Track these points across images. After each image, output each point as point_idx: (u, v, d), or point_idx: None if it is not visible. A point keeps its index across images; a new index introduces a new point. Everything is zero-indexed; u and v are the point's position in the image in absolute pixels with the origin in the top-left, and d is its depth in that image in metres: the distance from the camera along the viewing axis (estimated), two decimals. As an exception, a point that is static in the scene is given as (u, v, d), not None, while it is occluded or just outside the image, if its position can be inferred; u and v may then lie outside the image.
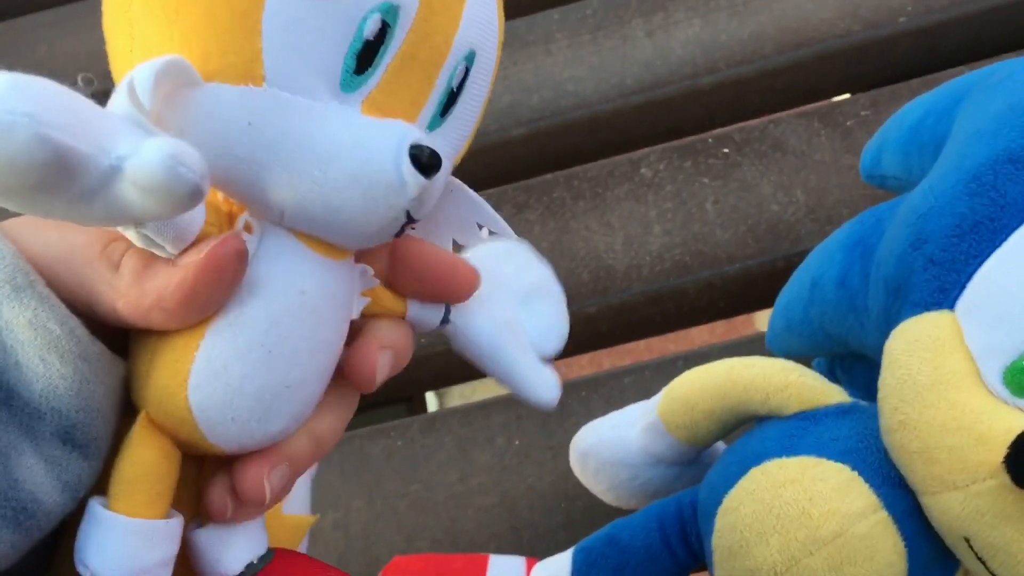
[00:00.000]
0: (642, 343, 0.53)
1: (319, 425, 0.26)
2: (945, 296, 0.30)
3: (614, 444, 0.39)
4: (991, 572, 0.29)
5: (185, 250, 0.23)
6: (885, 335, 0.32)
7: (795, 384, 0.33)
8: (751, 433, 0.34)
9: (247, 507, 0.26)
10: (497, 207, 0.56)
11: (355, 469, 0.47)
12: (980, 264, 0.29)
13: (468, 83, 0.26)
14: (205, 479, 0.26)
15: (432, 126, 0.25)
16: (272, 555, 0.27)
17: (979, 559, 0.29)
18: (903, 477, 0.30)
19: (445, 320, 0.29)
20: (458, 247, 0.30)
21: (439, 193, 0.25)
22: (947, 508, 0.29)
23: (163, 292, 0.23)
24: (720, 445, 0.39)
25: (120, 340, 0.25)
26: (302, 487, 0.36)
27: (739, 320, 0.52)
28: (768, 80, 0.56)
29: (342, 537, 0.46)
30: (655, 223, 0.51)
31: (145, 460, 0.24)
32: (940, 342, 0.29)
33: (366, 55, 0.23)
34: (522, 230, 0.53)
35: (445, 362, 0.51)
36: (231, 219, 0.24)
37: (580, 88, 0.57)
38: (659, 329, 0.51)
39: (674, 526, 0.36)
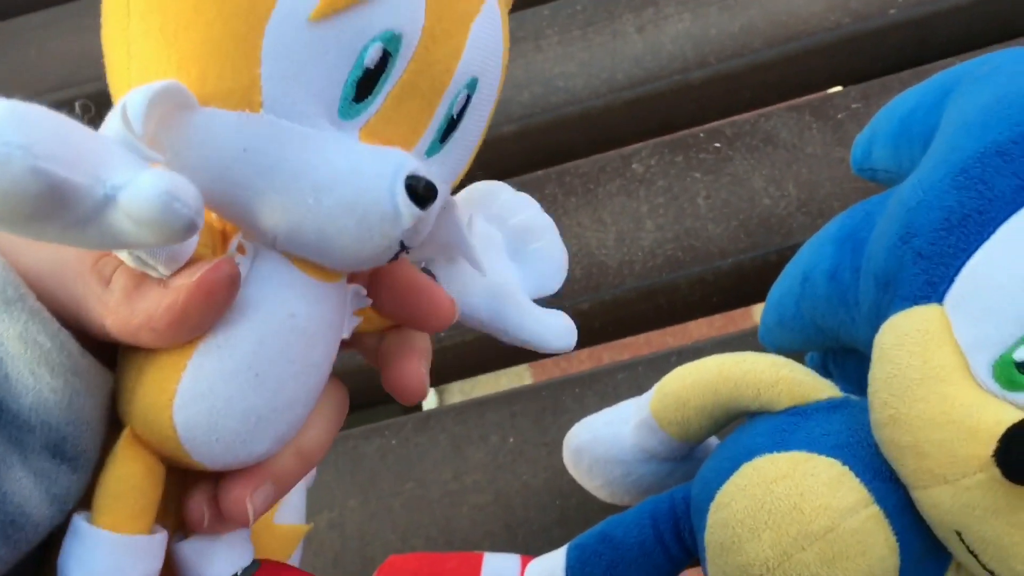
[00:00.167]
0: (641, 338, 0.53)
1: (305, 440, 0.26)
2: (934, 290, 0.30)
3: (607, 440, 0.39)
4: (983, 565, 0.29)
5: (178, 271, 0.23)
6: (876, 329, 0.32)
7: (785, 379, 0.33)
8: (742, 428, 0.34)
9: (230, 523, 0.26)
10: (489, 204, 0.55)
11: (350, 468, 0.47)
12: (968, 257, 0.29)
13: (469, 110, 0.25)
14: (188, 492, 0.26)
15: (431, 152, 0.25)
16: (257, 566, 0.27)
17: (971, 552, 0.29)
18: (894, 471, 0.30)
19: None
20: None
21: (434, 220, 0.25)
22: (938, 502, 0.29)
23: (152, 313, 0.23)
24: (713, 440, 0.39)
25: (109, 352, 0.25)
26: (296, 495, 0.36)
27: (736, 314, 0.52)
28: (759, 74, 0.55)
29: (337, 537, 0.46)
30: (647, 218, 0.51)
31: (129, 475, 0.24)
32: (929, 336, 0.29)
33: (366, 83, 0.23)
34: (514, 227, 0.53)
35: (440, 360, 0.51)
36: (224, 239, 0.24)
37: (571, 84, 0.57)
38: (652, 324, 0.51)
39: (667, 522, 0.36)
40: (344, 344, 0.27)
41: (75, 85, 0.66)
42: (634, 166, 0.53)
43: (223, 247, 0.24)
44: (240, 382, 0.24)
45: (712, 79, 0.56)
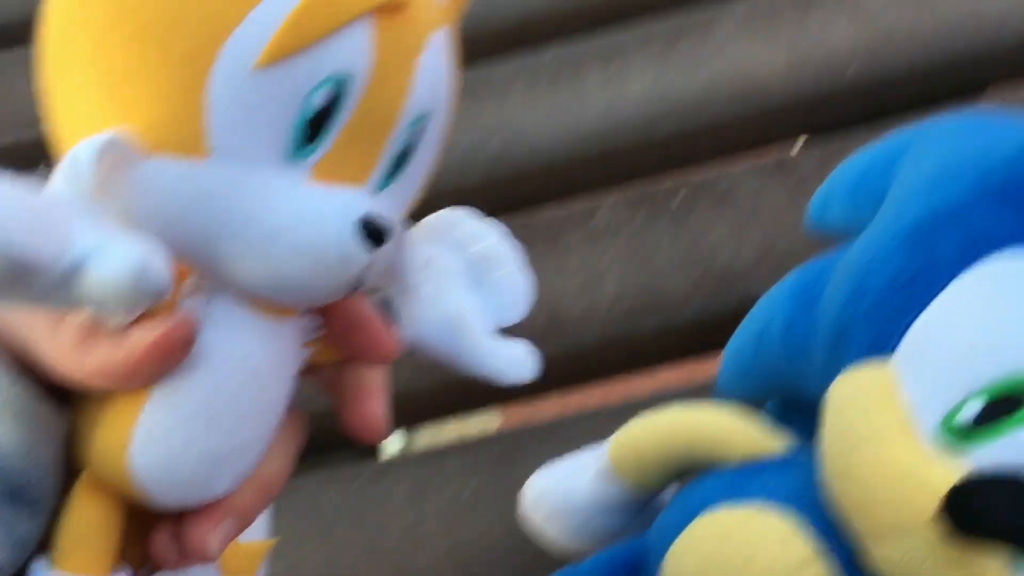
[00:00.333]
0: (603, 386, 0.53)
1: (265, 473, 0.26)
2: (883, 347, 0.30)
3: (566, 490, 0.40)
4: (931, 619, 0.29)
5: (135, 320, 0.23)
6: (829, 383, 0.32)
7: (739, 432, 0.33)
8: (697, 480, 0.35)
9: (194, 560, 0.26)
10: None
11: (308, 515, 0.47)
12: (916, 317, 0.30)
13: (420, 143, 0.26)
14: (151, 529, 0.26)
15: (383, 186, 0.25)
16: None
17: (919, 607, 0.29)
18: (846, 526, 0.31)
19: None
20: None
21: (390, 254, 0.25)
22: (888, 557, 0.29)
23: (105, 365, 0.23)
24: (670, 490, 0.39)
25: (64, 391, 0.25)
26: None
27: (696, 364, 0.52)
28: (720, 129, 0.57)
29: (294, 584, 0.45)
30: (610, 269, 0.52)
31: (89, 518, 0.24)
32: (878, 393, 0.29)
33: (315, 125, 0.23)
34: (479, 275, 0.53)
35: (400, 404, 0.51)
36: (180, 278, 0.24)
37: (537, 135, 0.58)
38: (614, 373, 0.51)
39: (625, 572, 0.36)
40: (301, 372, 0.27)
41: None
42: (598, 217, 0.54)
43: (177, 287, 0.23)
44: (197, 425, 0.24)
45: (675, 133, 0.57)
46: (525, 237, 0.54)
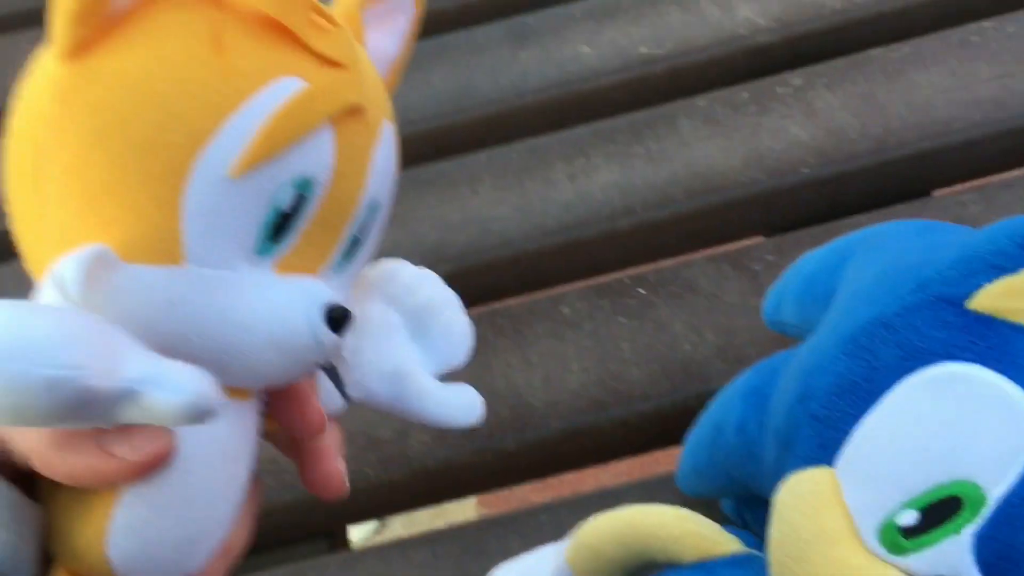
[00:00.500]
0: (564, 478, 0.54)
1: (231, 540, 0.27)
2: (826, 452, 0.31)
3: (525, 587, 0.40)
4: None
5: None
6: (778, 484, 0.33)
7: (692, 534, 0.34)
8: (652, 581, 0.35)
9: None
10: (421, 343, 0.56)
11: (271, 608, 0.47)
12: (857, 423, 0.31)
13: (370, 230, 0.27)
14: None
15: (337, 270, 0.26)
16: None
17: None
18: (794, 627, 0.31)
19: (346, 400, 0.30)
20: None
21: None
22: (834, 659, 0.30)
23: (89, 468, 0.23)
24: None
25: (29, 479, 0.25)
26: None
27: (658, 456, 0.53)
28: (680, 223, 0.58)
29: None
30: (573, 360, 0.53)
31: None
32: (821, 498, 0.30)
33: (281, 224, 0.24)
34: (445, 365, 0.54)
35: (367, 496, 0.51)
36: None
37: (505, 227, 0.59)
38: (576, 465, 0.52)
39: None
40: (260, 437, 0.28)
41: None
42: (562, 309, 0.55)
43: None
44: (173, 512, 0.24)
45: (637, 227, 0.58)
46: (491, 328, 0.55)
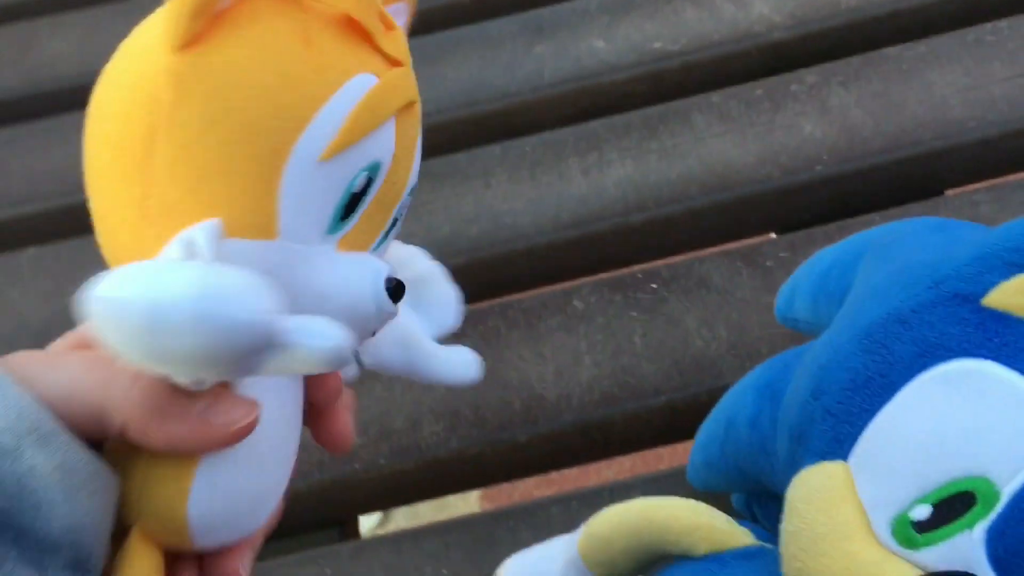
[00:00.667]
0: (576, 471, 0.54)
1: (278, 507, 0.29)
2: (840, 447, 0.32)
3: (537, 578, 0.40)
4: None
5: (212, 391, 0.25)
6: (791, 479, 0.33)
7: (704, 527, 0.34)
8: (664, 572, 0.35)
9: None
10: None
11: (283, 596, 0.47)
12: (872, 418, 0.31)
13: (405, 210, 0.30)
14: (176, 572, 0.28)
15: (378, 247, 0.29)
16: None
17: None
18: (805, 621, 0.31)
19: (360, 366, 0.33)
20: None
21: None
22: (845, 652, 0.30)
23: (183, 439, 0.25)
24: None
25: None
26: None
27: (668, 450, 0.53)
28: (694, 219, 0.59)
29: (266, 667, 0.45)
30: (585, 354, 0.53)
31: (145, 569, 0.26)
32: (835, 492, 0.31)
33: (351, 205, 0.27)
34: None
35: (378, 486, 0.51)
36: None
37: (517, 221, 0.60)
38: (586, 459, 0.52)
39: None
40: None
41: (37, 200, 0.68)
42: (575, 302, 0.56)
43: None
44: (249, 472, 0.27)
45: (651, 222, 0.59)
46: (503, 321, 0.56)
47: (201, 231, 0.24)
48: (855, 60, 0.64)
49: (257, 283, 0.23)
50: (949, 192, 0.58)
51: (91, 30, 0.80)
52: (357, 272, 0.27)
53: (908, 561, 0.29)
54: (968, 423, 0.29)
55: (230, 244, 0.25)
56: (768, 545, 0.35)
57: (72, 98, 0.70)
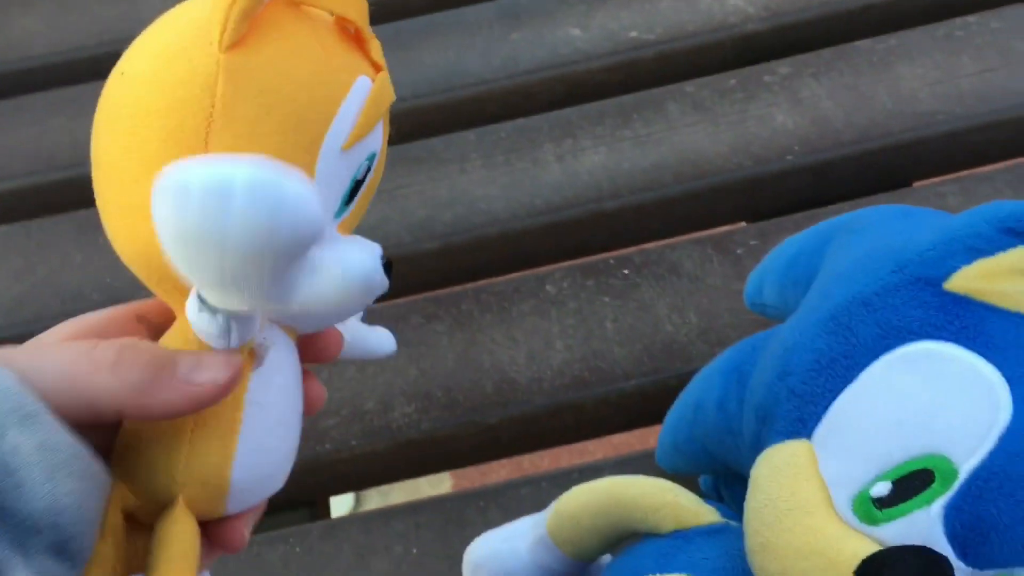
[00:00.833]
0: (546, 453, 0.55)
1: None
2: (804, 426, 0.32)
3: (505, 556, 0.41)
4: None
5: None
6: (757, 459, 0.34)
7: (671, 504, 0.35)
8: (630, 550, 0.36)
9: (227, 552, 0.30)
10: (407, 317, 0.58)
11: (254, 574, 0.48)
12: (835, 398, 0.32)
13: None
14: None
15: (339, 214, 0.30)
16: None
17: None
18: (767, 596, 0.32)
19: None
20: None
21: None
22: (806, 626, 0.31)
23: (177, 402, 0.26)
24: (606, 557, 0.41)
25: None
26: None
27: (638, 433, 0.54)
28: (666, 207, 0.59)
29: (235, 645, 0.46)
30: (557, 338, 0.54)
31: (188, 534, 0.28)
32: (798, 469, 0.31)
33: (353, 192, 0.29)
34: (430, 340, 0.55)
35: (350, 467, 0.52)
36: None
37: (492, 206, 0.60)
38: (557, 441, 0.53)
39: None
40: None
41: (5, 179, 0.67)
42: (547, 287, 0.56)
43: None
44: (278, 433, 0.29)
45: (624, 209, 0.59)
46: (476, 305, 0.56)
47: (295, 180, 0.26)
48: (827, 52, 0.65)
49: (312, 190, 0.25)
50: (917, 184, 0.59)
51: (62, 8, 0.79)
52: (359, 253, 0.28)
53: (868, 536, 0.30)
54: (927, 403, 0.30)
55: None
56: (733, 523, 0.35)
57: (43, 76, 0.70)
